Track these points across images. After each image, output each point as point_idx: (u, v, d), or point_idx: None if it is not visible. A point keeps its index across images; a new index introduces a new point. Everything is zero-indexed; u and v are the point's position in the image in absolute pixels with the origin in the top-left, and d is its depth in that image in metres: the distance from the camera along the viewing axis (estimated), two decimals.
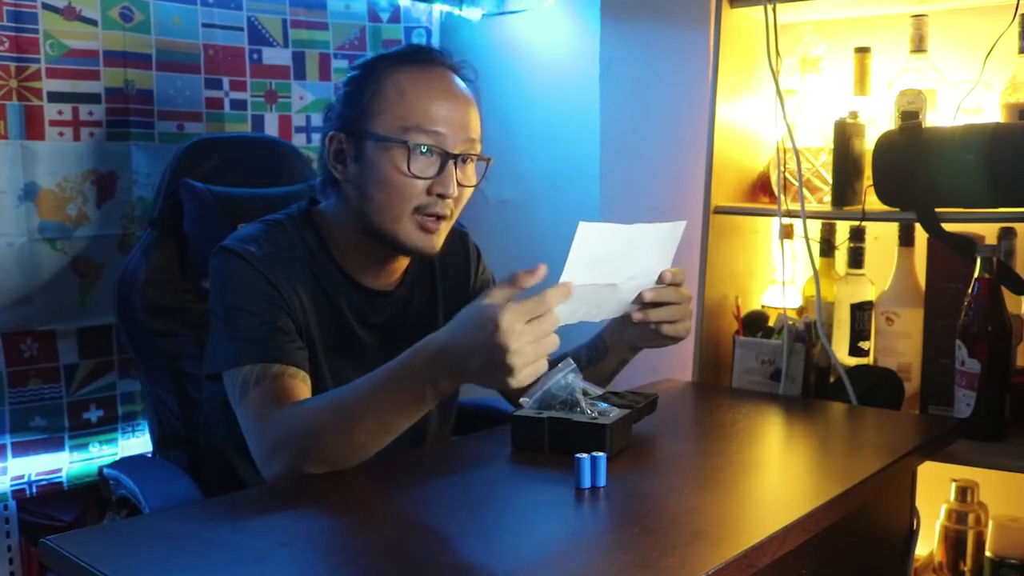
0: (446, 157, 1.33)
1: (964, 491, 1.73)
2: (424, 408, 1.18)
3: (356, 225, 1.38)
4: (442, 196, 1.33)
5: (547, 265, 1.15)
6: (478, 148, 1.38)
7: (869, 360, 1.78)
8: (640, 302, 1.34)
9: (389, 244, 1.37)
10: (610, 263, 1.24)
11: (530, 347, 1.08)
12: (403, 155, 1.32)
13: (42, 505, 1.89)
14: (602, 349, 1.52)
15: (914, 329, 1.72)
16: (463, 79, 1.39)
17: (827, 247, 1.84)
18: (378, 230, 1.36)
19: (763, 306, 1.93)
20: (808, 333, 1.67)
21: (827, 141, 1.74)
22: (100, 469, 1.66)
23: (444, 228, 1.37)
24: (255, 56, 2.09)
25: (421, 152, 1.32)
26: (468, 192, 1.39)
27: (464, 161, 1.36)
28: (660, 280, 1.35)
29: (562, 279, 1.15)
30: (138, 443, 1.97)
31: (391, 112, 1.33)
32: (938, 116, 1.73)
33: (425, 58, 1.37)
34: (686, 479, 1.25)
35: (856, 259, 1.79)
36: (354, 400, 1.19)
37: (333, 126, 1.38)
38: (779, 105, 1.75)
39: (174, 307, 1.68)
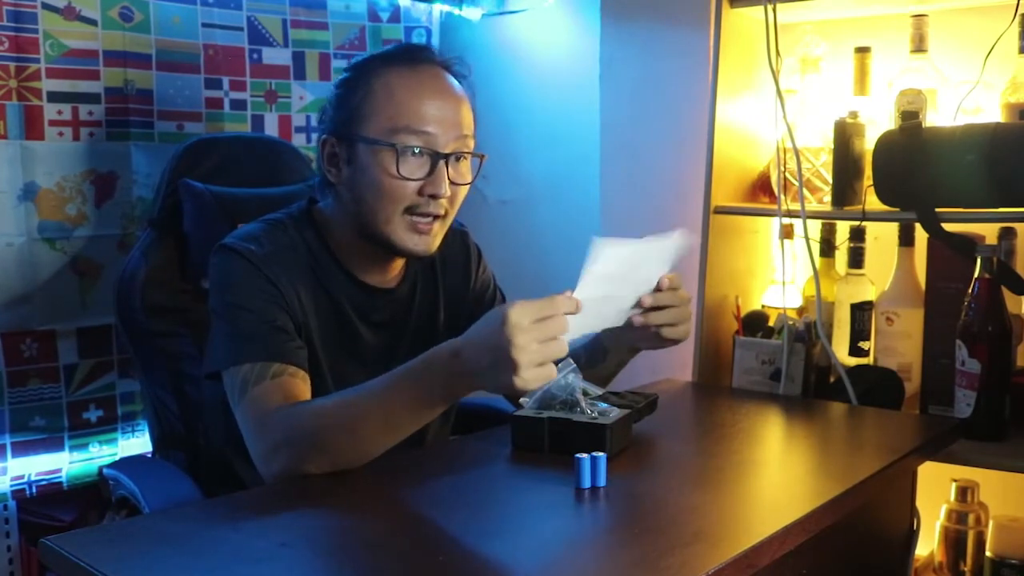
0: (437, 157, 1.33)
1: (964, 491, 1.73)
2: (433, 410, 1.19)
3: (353, 225, 1.38)
4: (434, 196, 1.33)
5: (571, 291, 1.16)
6: (471, 145, 1.38)
7: (869, 360, 1.78)
8: (640, 307, 1.34)
9: (383, 246, 1.37)
10: (617, 277, 1.24)
11: (536, 345, 1.08)
12: (392, 157, 1.31)
13: (42, 505, 1.89)
14: (600, 351, 1.51)
15: (914, 329, 1.72)
16: (455, 76, 1.38)
17: (827, 247, 1.84)
18: (371, 232, 1.36)
19: (763, 306, 1.93)
20: (808, 333, 1.67)
21: (827, 141, 1.74)
22: (100, 469, 1.66)
23: (439, 228, 1.37)
24: (255, 56, 2.09)
25: (412, 153, 1.32)
26: (463, 190, 1.38)
27: (457, 159, 1.36)
28: (658, 286, 1.35)
29: (575, 295, 1.15)
30: (138, 443, 1.96)
31: (380, 114, 1.32)
32: (938, 116, 1.73)
33: (415, 57, 1.37)
34: (686, 479, 1.25)
35: (856, 259, 1.79)
36: (363, 399, 1.19)
37: (326, 129, 1.38)
38: (779, 105, 1.75)
39: (174, 307, 1.68)
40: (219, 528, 1.06)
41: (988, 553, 1.69)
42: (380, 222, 1.34)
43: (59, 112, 1.83)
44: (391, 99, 1.32)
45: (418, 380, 1.16)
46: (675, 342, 1.40)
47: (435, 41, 2.32)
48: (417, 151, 1.32)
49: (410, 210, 1.34)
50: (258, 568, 0.95)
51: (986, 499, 1.74)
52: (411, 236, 1.35)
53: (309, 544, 1.02)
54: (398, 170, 1.31)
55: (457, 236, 1.56)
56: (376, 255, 1.41)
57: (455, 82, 1.38)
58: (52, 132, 1.83)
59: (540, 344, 1.08)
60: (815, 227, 1.81)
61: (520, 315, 1.07)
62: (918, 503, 1.52)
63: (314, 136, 2.17)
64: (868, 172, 1.71)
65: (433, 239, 1.37)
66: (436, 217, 1.35)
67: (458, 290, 1.55)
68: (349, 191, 1.36)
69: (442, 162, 1.33)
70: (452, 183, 1.35)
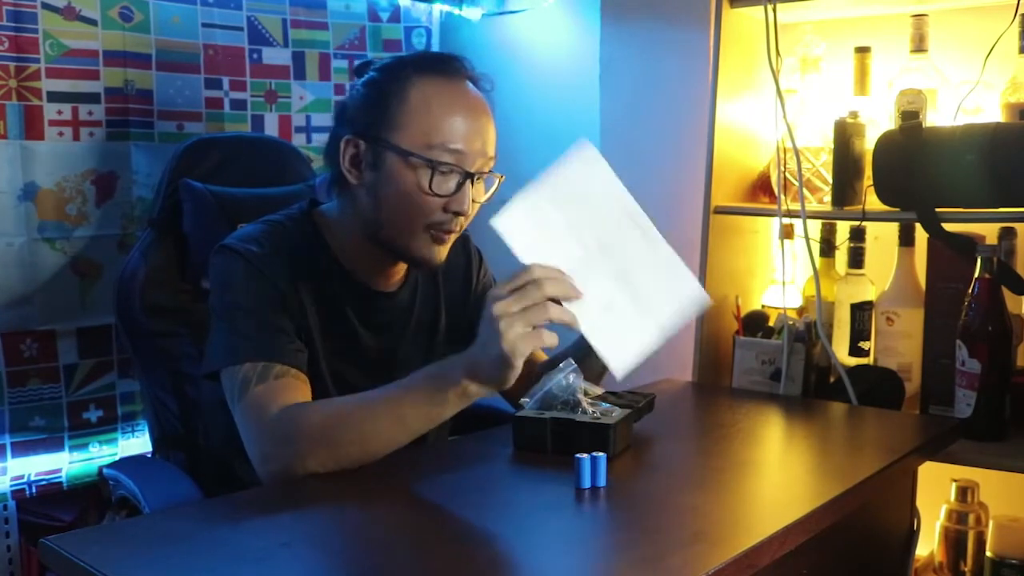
0: (465, 176, 1.33)
1: (964, 491, 1.73)
2: (444, 408, 1.20)
3: (363, 230, 1.38)
4: (457, 213, 1.33)
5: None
6: (492, 164, 1.38)
7: (869, 360, 1.78)
8: None
9: (397, 254, 1.38)
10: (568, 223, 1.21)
11: (517, 316, 1.12)
12: (426, 173, 1.31)
13: (42, 505, 1.89)
14: (585, 347, 1.51)
15: (914, 329, 1.72)
16: (480, 91, 1.38)
17: (827, 247, 1.84)
18: (387, 240, 1.36)
19: (763, 306, 1.93)
20: (808, 333, 1.67)
21: (827, 141, 1.74)
22: (100, 469, 1.66)
23: (451, 241, 1.38)
24: (255, 56, 2.09)
25: (443, 171, 1.32)
26: (477, 207, 1.39)
27: (479, 178, 1.36)
28: None
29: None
30: (138, 443, 1.96)
31: (416, 126, 1.31)
32: (938, 116, 1.73)
33: (450, 69, 1.36)
34: (686, 479, 1.25)
35: (856, 259, 1.79)
36: (375, 397, 1.21)
37: (352, 130, 1.35)
38: (779, 105, 1.75)
39: (173, 307, 1.68)
40: (219, 528, 1.06)
41: (988, 553, 1.69)
42: (402, 233, 1.34)
43: (59, 112, 1.83)
44: (428, 112, 1.31)
45: (431, 380, 1.20)
46: None
47: (435, 41, 2.32)
48: (447, 169, 1.32)
49: (430, 225, 1.34)
50: (258, 568, 0.94)
51: (986, 499, 1.74)
52: (428, 248, 1.35)
53: (309, 544, 1.02)
54: (430, 186, 1.31)
55: (459, 240, 1.55)
56: (380, 259, 1.41)
57: (484, 100, 1.37)
58: (52, 132, 1.83)
59: (522, 314, 1.12)
60: (815, 227, 1.80)
61: (496, 294, 1.14)
62: (918, 503, 1.52)
63: (315, 136, 2.17)
64: (868, 172, 1.71)
65: (444, 251, 1.38)
66: (451, 231, 1.36)
67: (459, 294, 1.55)
68: (371, 196, 1.35)
69: (468, 181, 1.33)
70: (472, 200, 1.35)
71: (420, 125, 1.31)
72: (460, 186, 1.33)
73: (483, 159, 1.35)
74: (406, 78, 1.34)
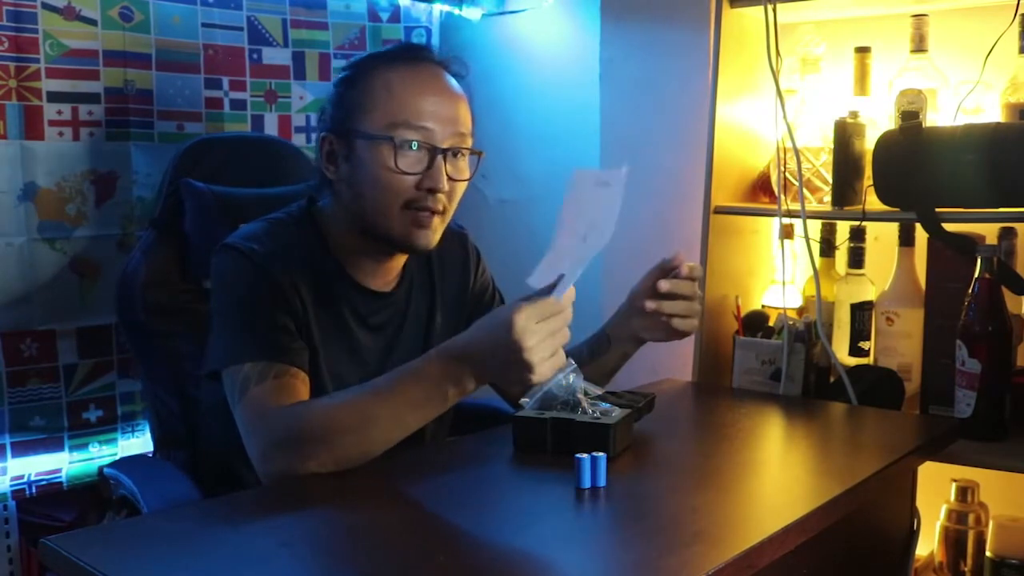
0: (434, 152, 1.33)
1: (964, 491, 1.73)
2: (441, 406, 1.21)
3: (352, 224, 1.38)
4: (432, 191, 1.33)
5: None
6: (469, 142, 1.38)
7: (869, 360, 1.78)
8: (654, 293, 1.34)
9: (384, 241, 1.38)
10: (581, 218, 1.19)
11: (545, 343, 1.13)
12: (390, 151, 1.32)
13: (42, 505, 1.89)
14: (604, 342, 1.52)
15: (914, 329, 1.72)
16: (453, 75, 1.39)
17: (827, 247, 1.84)
18: (372, 227, 1.36)
19: (763, 306, 1.93)
20: (808, 333, 1.67)
21: (827, 141, 1.74)
22: (100, 469, 1.66)
23: (438, 223, 1.37)
24: (255, 56, 2.09)
25: (410, 148, 1.32)
26: (461, 187, 1.39)
27: (455, 156, 1.36)
28: (677, 272, 1.36)
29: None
30: (138, 443, 1.96)
31: (379, 110, 1.33)
32: (938, 116, 1.73)
33: (413, 56, 1.38)
34: (686, 479, 1.25)
35: (856, 259, 1.79)
36: (371, 400, 1.21)
37: (325, 127, 1.39)
38: (779, 105, 1.75)
39: (175, 307, 1.68)
40: (219, 528, 1.06)
41: (988, 553, 1.69)
42: (379, 217, 1.35)
43: (59, 112, 1.83)
44: (390, 95, 1.33)
45: (424, 379, 1.19)
46: (683, 334, 1.41)
47: (435, 41, 2.32)
48: (415, 146, 1.32)
49: (409, 205, 1.34)
50: (258, 568, 0.95)
51: (986, 499, 1.74)
52: (411, 230, 1.35)
53: (309, 544, 1.02)
54: (396, 164, 1.32)
55: (456, 238, 1.56)
56: (375, 255, 1.41)
57: (453, 81, 1.39)
58: (52, 132, 1.83)
59: (548, 340, 1.14)
60: (815, 227, 1.81)
61: (526, 318, 1.12)
62: (918, 503, 1.52)
63: (314, 136, 2.17)
64: (868, 172, 1.71)
65: (433, 233, 1.37)
66: (435, 212, 1.35)
67: (456, 293, 1.55)
68: (348, 188, 1.37)
69: (440, 157, 1.33)
70: (450, 179, 1.35)
71: (383, 107, 1.33)
72: (431, 163, 1.33)
73: (455, 136, 1.35)
74: (370, 69, 1.36)
